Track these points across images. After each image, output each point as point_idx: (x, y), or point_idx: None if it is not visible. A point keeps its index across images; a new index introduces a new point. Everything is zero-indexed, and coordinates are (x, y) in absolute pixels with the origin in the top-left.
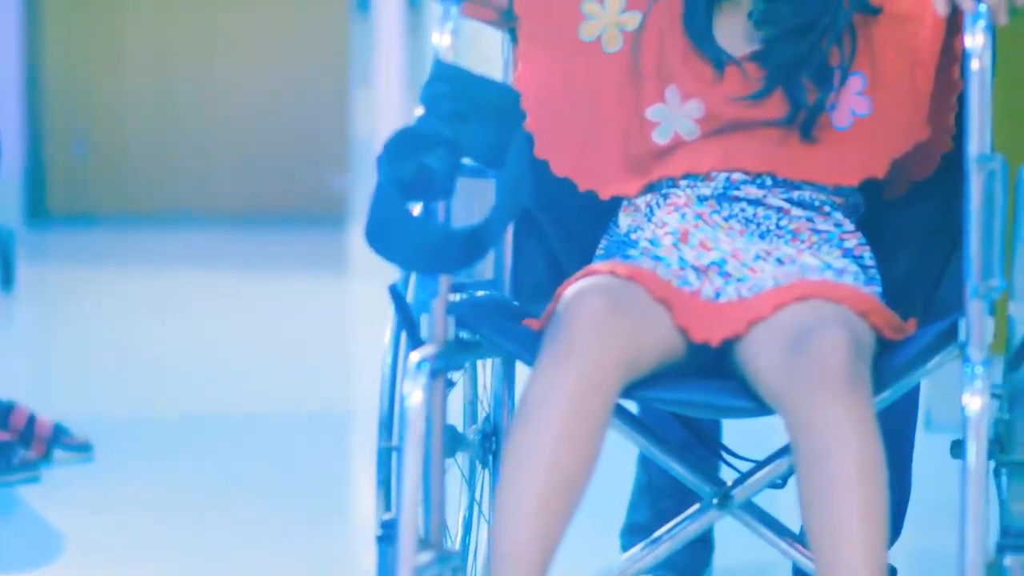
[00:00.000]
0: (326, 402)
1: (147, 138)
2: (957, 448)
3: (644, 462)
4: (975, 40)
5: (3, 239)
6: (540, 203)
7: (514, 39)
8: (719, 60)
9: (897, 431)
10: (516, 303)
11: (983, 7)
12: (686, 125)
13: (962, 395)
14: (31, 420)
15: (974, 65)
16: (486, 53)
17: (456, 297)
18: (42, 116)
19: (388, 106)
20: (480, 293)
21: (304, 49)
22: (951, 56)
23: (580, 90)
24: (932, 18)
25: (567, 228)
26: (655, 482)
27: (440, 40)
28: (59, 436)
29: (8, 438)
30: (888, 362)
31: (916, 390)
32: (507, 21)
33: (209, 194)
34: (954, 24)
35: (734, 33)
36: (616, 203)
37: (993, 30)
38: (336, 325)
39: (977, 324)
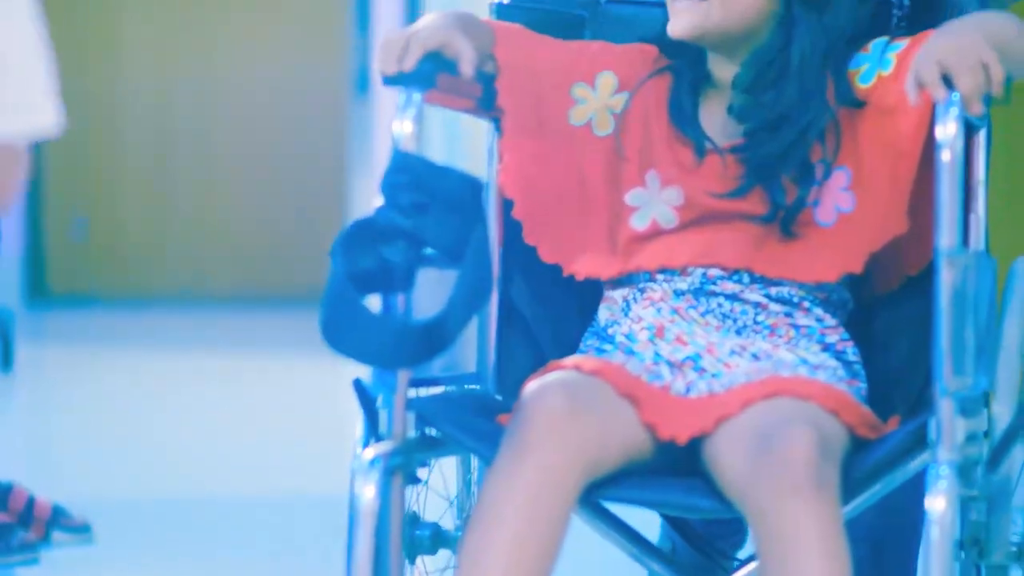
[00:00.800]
0: (326, 484)
1: (146, 219)
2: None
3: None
4: (946, 130)
5: (2, 320)
6: (524, 295)
7: (498, 128)
8: (701, 146)
9: (898, 535)
10: (499, 397)
11: (956, 95)
12: (664, 212)
13: (926, 497)
14: (30, 502)
15: (944, 156)
16: None
17: (432, 391)
18: (41, 197)
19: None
20: (445, 389)
21: (303, 131)
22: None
23: (569, 176)
24: (916, 108)
25: (551, 321)
26: None
27: (400, 128)
28: (58, 518)
29: (7, 520)
30: (860, 463)
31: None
32: (485, 110)
33: (207, 275)
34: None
35: (719, 120)
36: (600, 296)
37: (989, 113)
38: (335, 407)
39: (947, 424)
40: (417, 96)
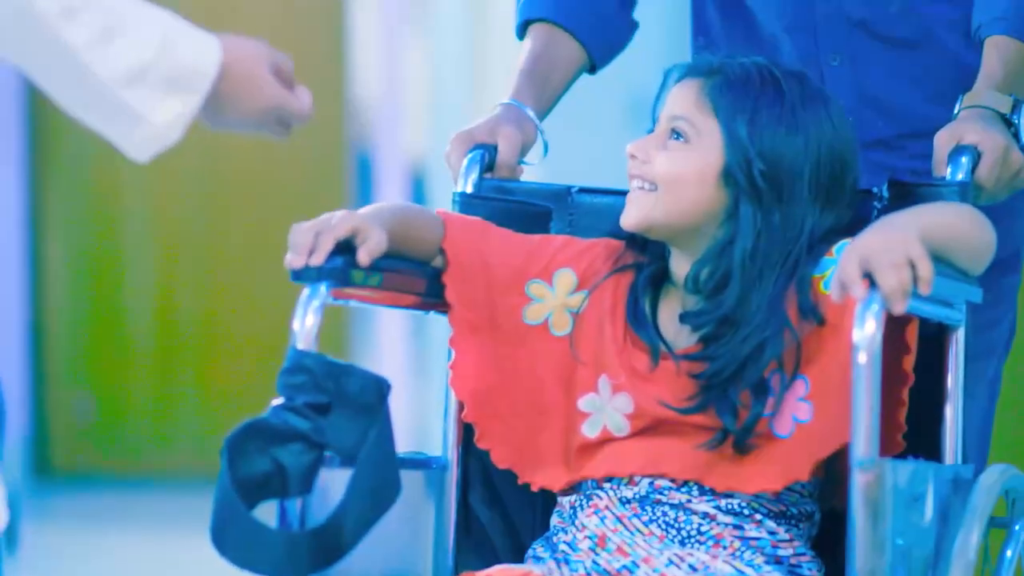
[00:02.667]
0: None
1: (150, 397)
2: None
3: None
4: (863, 331)
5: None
6: (482, 500)
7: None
8: (655, 351)
9: None
10: None
11: (876, 295)
12: (616, 420)
13: None
14: None
15: (860, 358)
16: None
17: None
18: (45, 375)
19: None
20: None
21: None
22: (901, 347)
23: (522, 378)
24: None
25: (506, 524)
26: None
27: (301, 324)
28: None
29: None
30: None
31: None
32: (431, 304)
33: (215, 455)
34: (904, 316)
35: (677, 321)
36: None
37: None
38: None
39: None
40: (324, 288)
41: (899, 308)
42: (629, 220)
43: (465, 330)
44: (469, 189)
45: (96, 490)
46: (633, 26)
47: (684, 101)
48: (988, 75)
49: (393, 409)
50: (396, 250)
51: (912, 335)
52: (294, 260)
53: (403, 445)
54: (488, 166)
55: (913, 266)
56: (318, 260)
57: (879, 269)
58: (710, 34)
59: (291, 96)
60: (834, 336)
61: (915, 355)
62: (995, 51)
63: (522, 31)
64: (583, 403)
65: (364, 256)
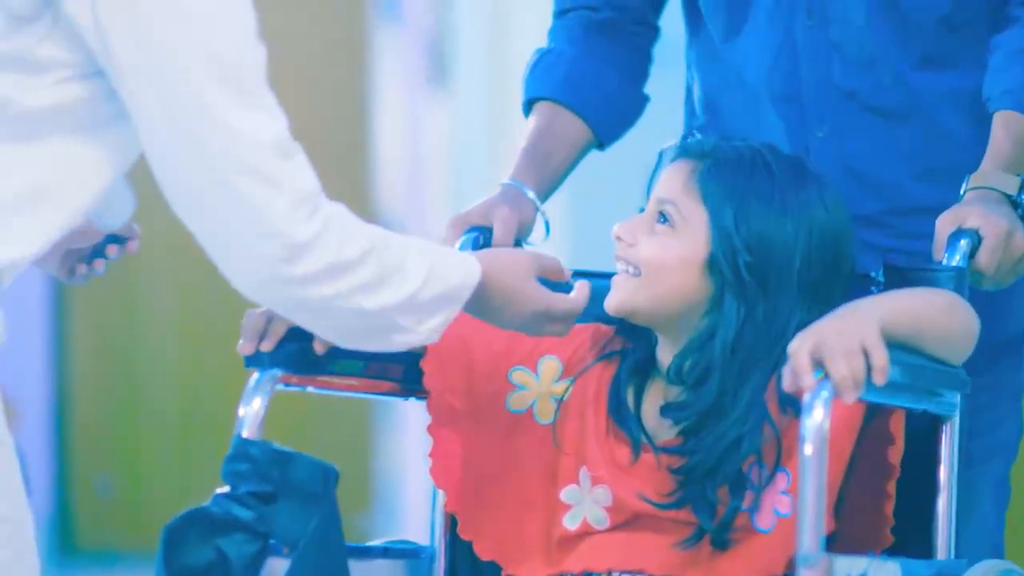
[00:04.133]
0: None
1: (173, 476)
2: None
3: None
4: (811, 420)
5: None
6: None
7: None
8: (636, 444)
9: None
10: None
11: (827, 384)
12: (595, 513)
13: None
14: None
15: (806, 450)
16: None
17: None
18: (66, 454)
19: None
20: None
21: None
22: (885, 438)
23: (504, 467)
24: (845, 407)
25: None
26: None
27: (246, 410)
28: None
29: None
30: None
31: None
32: (409, 391)
33: None
34: (884, 408)
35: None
36: None
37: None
38: None
39: None
40: (273, 376)
41: (849, 398)
42: (611, 304)
43: (445, 418)
44: None
45: (120, 569)
46: (643, 100)
47: (673, 184)
48: (995, 154)
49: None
50: None
51: (897, 425)
52: (244, 346)
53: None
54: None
55: (867, 354)
56: (268, 346)
57: (830, 357)
58: (701, 107)
59: (556, 298)
60: None
61: (902, 446)
62: (1003, 127)
63: (528, 109)
64: (565, 494)
65: (319, 345)
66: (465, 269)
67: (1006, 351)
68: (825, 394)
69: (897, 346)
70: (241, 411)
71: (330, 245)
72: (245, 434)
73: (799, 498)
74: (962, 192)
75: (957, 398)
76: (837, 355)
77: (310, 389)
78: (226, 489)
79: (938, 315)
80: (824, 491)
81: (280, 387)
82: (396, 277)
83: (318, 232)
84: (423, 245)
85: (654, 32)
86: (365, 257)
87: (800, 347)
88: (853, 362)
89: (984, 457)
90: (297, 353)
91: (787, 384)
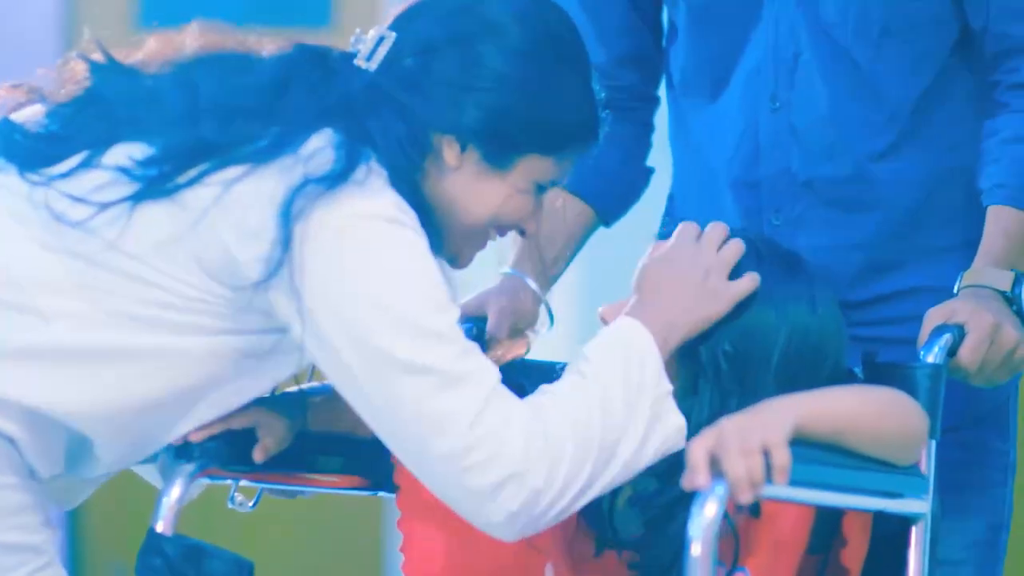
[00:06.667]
0: None
1: None
2: None
3: None
4: (699, 521)
5: None
6: None
7: None
8: (602, 539)
9: None
10: None
11: (720, 484)
12: None
13: None
14: None
15: (694, 550)
16: None
17: None
18: (82, 542)
19: None
20: None
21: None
22: (838, 540)
23: (478, 563)
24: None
25: None
26: None
27: (165, 501)
28: None
29: None
30: None
31: None
32: (380, 482)
33: None
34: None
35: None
36: None
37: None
38: None
39: None
40: (187, 470)
41: (744, 498)
42: None
43: (416, 513)
44: None
45: None
46: (646, 174)
47: None
48: (987, 250)
49: None
50: (351, 431)
51: (851, 527)
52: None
53: None
54: (477, 339)
55: (768, 453)
56: (198, 437)
57: (725, 455)
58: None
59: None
60: (770, 526)
61: (860, 548)
62: (996, 222)
63: None
64: None
65: (259, 454)
66: (642, 358)
67: (991, 415)
68: (721, 490)
69: (821, 445)
70: (164, 502)
71: (557, 474)
72: (159, 527)
73: None
74: (955, 290)
75: (924, 501)
76: (733, 453)
77: (243, 483)
78: None
79: (869, 415)
80: None
81: (204, 480)
82: (612, 447)
83: (545, 468)
84: (600, 379)
85: (653, 103)
86: (581, 465)
87: (698, 444)
88: (750, 461)
89: (962, 513)
90: (231, 447)
91: (684, 482)
